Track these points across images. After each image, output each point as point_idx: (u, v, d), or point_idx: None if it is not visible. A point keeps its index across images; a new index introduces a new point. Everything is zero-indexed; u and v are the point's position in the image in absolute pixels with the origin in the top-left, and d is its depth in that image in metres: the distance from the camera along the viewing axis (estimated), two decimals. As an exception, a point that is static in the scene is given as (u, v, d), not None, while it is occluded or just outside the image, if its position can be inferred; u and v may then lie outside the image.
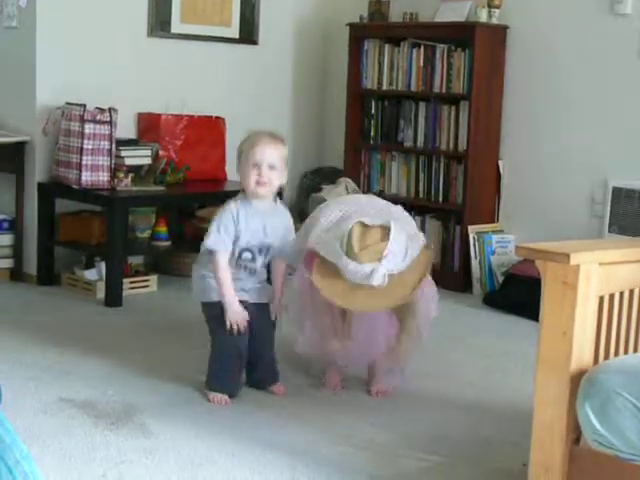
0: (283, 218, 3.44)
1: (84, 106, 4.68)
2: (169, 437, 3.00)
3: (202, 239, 5.13)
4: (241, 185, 3.38)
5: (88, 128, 4.68)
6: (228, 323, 3.28)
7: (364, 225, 3.19)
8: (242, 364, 3.41)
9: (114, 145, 4.78)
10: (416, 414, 3.33)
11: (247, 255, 3.35)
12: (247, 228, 3.32)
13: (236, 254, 3.33)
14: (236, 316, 3.29)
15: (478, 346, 4.08)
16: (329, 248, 3.20)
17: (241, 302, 3.34)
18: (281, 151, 3.34)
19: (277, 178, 3.32)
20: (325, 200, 5.36)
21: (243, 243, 3.33)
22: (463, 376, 3.75)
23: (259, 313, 3.41)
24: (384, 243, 3.14)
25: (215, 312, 3.35)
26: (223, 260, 3.29)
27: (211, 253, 3.31)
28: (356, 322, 3.36)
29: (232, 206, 3.33)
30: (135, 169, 4.94)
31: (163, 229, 5.05)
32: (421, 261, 3.23)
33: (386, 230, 3.17)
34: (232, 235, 3.30)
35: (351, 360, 3.48)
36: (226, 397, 3.34)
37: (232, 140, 5.42)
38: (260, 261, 3.39)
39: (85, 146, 4.68)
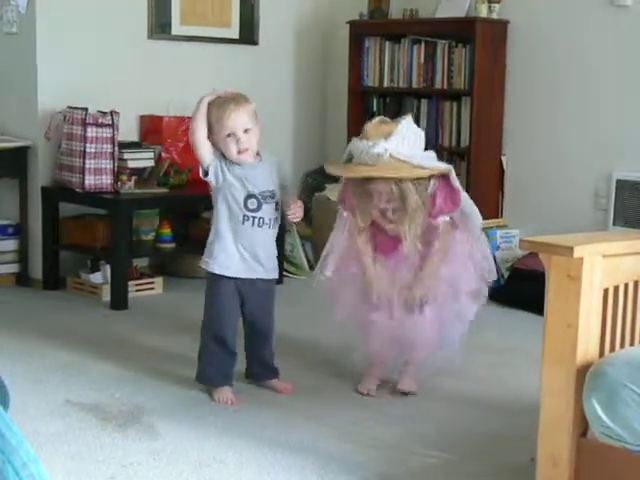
0: (273, 165, 3.42)
1: (86, 109, 4.69)
2: (177, 438, 3.01)
3: (206, 241, 5.16)
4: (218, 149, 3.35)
5: (90, 131, 4.68)
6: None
7: (383, 120, 3.35)
8: (228, 351, 3.39)
9: (117, 148, 4.79)
10: (423, 410, 3.33)
11: (253, 203, 3.32)
12: (243, 179, 3.31)
13: (241, 202, 3.30)
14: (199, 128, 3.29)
15: (484, 341, 4.08)
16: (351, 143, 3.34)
17: (234, 279, 3.34)
18: (250, 111, 3.35)
19: (255, 136, 3.34)
20: (329, 199, 5.40)
21: (242, 193, 3.30)
22: (469, 372, 3.75)
23: (259, 291, 3.39)
24: (394, 126, 3.24)
25: (208, 285, 3.37)
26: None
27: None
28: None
29: (218, 156, 3.33)
30: (138, 172, 4.94)
31: (167, 231, 5.06)
32: (448, 168, 3.31)
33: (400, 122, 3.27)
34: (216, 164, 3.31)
35: (386, 337, 3.43)
36: (231, 396, 3.35)
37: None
38: (266, 209, 3.34)
39: (88, 150, 4.69)
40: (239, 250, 3.33)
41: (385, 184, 3.23)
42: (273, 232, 3.40)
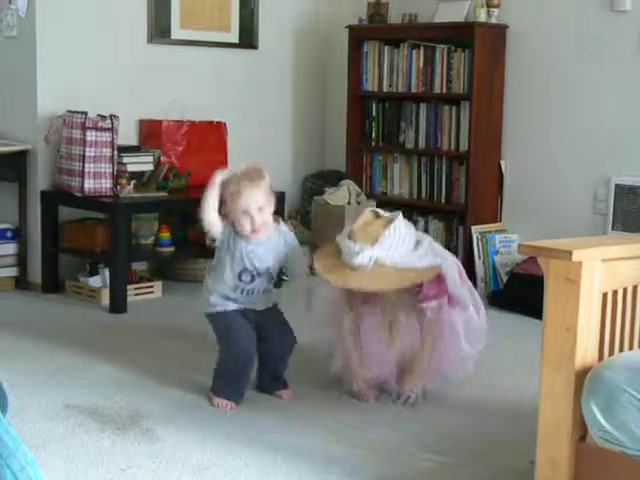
0: (286, 239, 3.45)
1: (85, 113, 4.69)
2: (176, 442, 3.01)
3: (205, 245, 5.17)
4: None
5: (90, 135, 4.69)
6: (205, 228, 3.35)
7: (375, 214, 3.30)
8: (248, 373, 3.41)
9: (116, 152, 4.79)
10: (421, 414, 3.33)
11: (246, 277, 3.37)
12: (244, 255, 3.34)
13: (236, 273, 3.36)
14: (212, 227, 3.33)
15: (484, 346, 4.07)
16: (342, 233, 3.31)
17: (245, 310, 3.38)
18: (264, 188, 3.34)
19: (268, 213, 3.35)
20: (328, 203, 5.41)
21: (242, 265, 3.35)
22: (470, 376, 3.74)
23: (266, 318, 3.43)
24: (382, 229, 3.20)
25: (216, 324, 3.39)
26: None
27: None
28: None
29: (230, 227, 3.35)
30: (137, 175, 4.95)
31: (166, 235, 5.06)
32: (434, 271, 3.27)
33: (391, 222, 3.23)
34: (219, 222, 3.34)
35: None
36: (231, 403, 3.35)
37: (233, 145, 5.44)
38: (258, 283, 3.40)
39: (87, 153, 4.69)
40: (236, 299, 3.39)
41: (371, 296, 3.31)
42: (268, 290, 3.46)
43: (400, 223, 3.25)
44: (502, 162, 5.35)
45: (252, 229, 3.30)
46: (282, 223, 3.47)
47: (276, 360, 3.48)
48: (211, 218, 3.32)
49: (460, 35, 5.25)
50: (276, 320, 3.47)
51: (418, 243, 3.30)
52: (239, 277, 3.35)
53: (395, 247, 3.20)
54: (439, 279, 3.33)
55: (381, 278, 3.17)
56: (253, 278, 3.38)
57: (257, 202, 3.30)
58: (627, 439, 2.20)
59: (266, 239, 3.38)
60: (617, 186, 4.84)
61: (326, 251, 3.36)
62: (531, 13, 5.17)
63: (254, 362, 3.42)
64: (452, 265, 3.40)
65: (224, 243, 3.36)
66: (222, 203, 3.34)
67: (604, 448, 2.26)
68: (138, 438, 3.03)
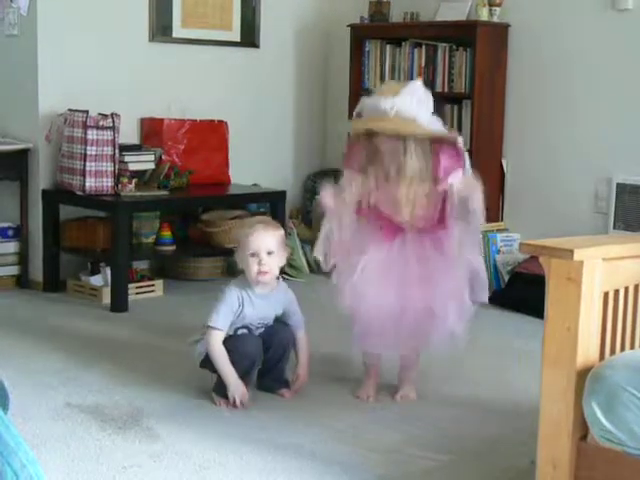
0: (285, 295, 3.48)
1: (87, 112, 4.70)
2: (176, 441, 3.01)
3: (207, 243, 5.18)
4: (241, 269, 3.41)
5: (91, 134, 4.69)
6: (231, 398, 3.30)
7: (394, 82, 3.52)
8: (253, 373, 3.43)
9: (117, 151, 4.79)
10: (422, 413, 3.33)
11: (244, 331, 3.40)
12: (249, 312, 3.37)
13: (232, 331, 3.38)
14: (237, 391, 3.30)
15: (485, 345, 4.07)
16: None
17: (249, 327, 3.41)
18: (277, 236, 3.38)
19: (277, 263, 3.37)
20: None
21: (243, 322, 3.38)
22: (470, 375, 3.75)
23: (271, 327, 3.45)
24: (404, 86, 3.26)
25: (212, 364, 3.38)
26: (217, 339, 3.32)
27: (208, 328, 3.35)
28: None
29: (237, 291, 3.36)
30: (139, 174, 4.95)
31: (167, 234, 5.06)
32: (453, 134, 3.36)
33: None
34: (232, 318, 3.35)
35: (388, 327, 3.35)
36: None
37: (235, 143, 5.44)
38: (255, 333, 3.43)
39: (88, 152, 4.69)
40: None
41: (388, 140, 3.22)
42: None
43: (420, 85, 3.30)
44: (503, 161, 5.35)
45: (258, 270, 3.31)
46: (281, 279, 3.50)
47: (277, 361, 3.48)
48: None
49: (462, 34, 5.25)
50: (279, 325, 3.47)
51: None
52: (235, 332, 3.39)
53: (417, 101, 3.22)
54: (457, 152, 3.32)
55: (402, 124, 3.18)
56: (250, 332, 3.42)
57: (268, 245, 3.33)
58: (628, 438, 2.20)
59: (270, 292, 3.41)
60: (618, 185, 4.84)
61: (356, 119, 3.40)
62: (533, 12, 5.17)
63: (260, 363, 3.43)
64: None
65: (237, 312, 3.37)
66: (236, 250, 3.41)
67: (605, 447, 2.26)
68: (139, 437, 3.03)
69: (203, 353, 3.39)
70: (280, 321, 3.49)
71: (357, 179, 3.34)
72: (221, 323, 3.33)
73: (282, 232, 3.44)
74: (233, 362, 3.33)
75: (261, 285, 3.37)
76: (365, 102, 3.32)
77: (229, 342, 3.35)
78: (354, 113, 3.42)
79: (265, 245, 3.32)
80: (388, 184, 3.30)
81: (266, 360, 3.45)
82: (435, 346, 3.36)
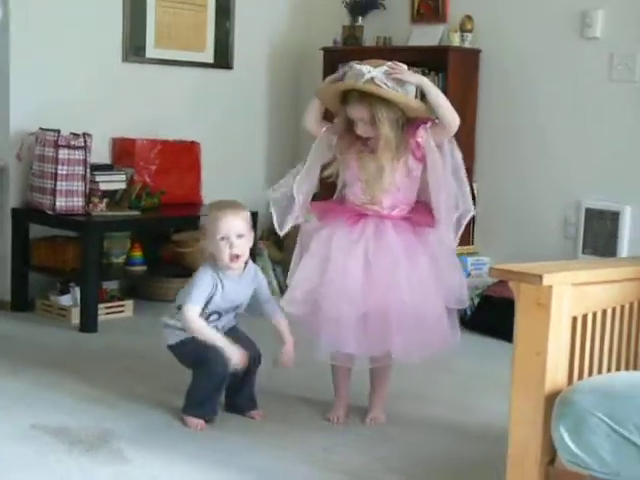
0: (255, 277, 3.47)
1: (58, 131, 4.68)
2: (145, 463, 2.98)
3: (178, 263, 5.14)
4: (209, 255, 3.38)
5: (62, 153, 4.67)
6: (234, 364, 3.28)
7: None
8: (221, 391, 3.41)
9: (88, 170, 4.77)
10: (392, 436, 3.33)
11: (214, 317, 3.39)
12: (218, 296, 3.35)
13: (204, 316, 3.35)
14: (235, 353, 3.29)
15: (455, 368, 4.08)
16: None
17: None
18: (246, 218, 3.38)
19: (247, 244, 3.37)
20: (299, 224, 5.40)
21: (213, 307, 3.36)
22: (441, 398, 3.76)
23: (228, 337, 3.41)
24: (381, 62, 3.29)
25: (183, 351, 3.38)
26: (195, 314, 3.31)
27: (180, 308, 3.34)
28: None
29: (211, 272, 3.34)
30: (110, 194, 4.93)
31: (138, 254, 5.04)
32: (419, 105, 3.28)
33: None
34: (206, 297, 3.33)
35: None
36: (202, 422, 3.33)
37: (207, 164, 5.44)
38: (225, 319, 3.43)
39: (59, 171, 4.67)
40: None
41: (361, 107, 3.22)
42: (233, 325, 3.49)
43: (405, 67, 3.31)
44: (474, 185, 5.38)
45: (230, 255, 3.30)
46: (250, 261, 3.48)
47: (246, 383, 3.46)
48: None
49: (434, 59, 5.29)
50: (238, 337, 3.44)
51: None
52: (207, 318, 3.37)
53: (392, 79, 3.23)
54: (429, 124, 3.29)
55: (374, 87, 3.19)
56: (220, 316, 3.41)
57: (238, 229, 3.32)
58: (595, 463, 2.21)
59: (241, 277, 3.40)
60: (587, 210, 4.89)
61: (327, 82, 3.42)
62: (504, 38, 5.23)
63: (227, 380, 3.40)
64: None
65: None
66: (202, 235, 3.38)
67: (573, 472, 2.27)
68: (107, 459, 3.00)
69: (177, 336, 3.36)
70: (244, 335, 3.47)
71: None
72: (195, 300, 3.30)
73: (248, 213, 3.42)
74: (203, 380, 3.32)
75: (232, 269, 3.35)
76: (343, 69, 3.34)
77: (197, 353, 3.32)
78: (327, 79, 3.44)
79: (236, 229, 3.31)
80: (362, 156, 3.31)
81: (233, 378, 3.43)
82: (428, 349, 3.33)
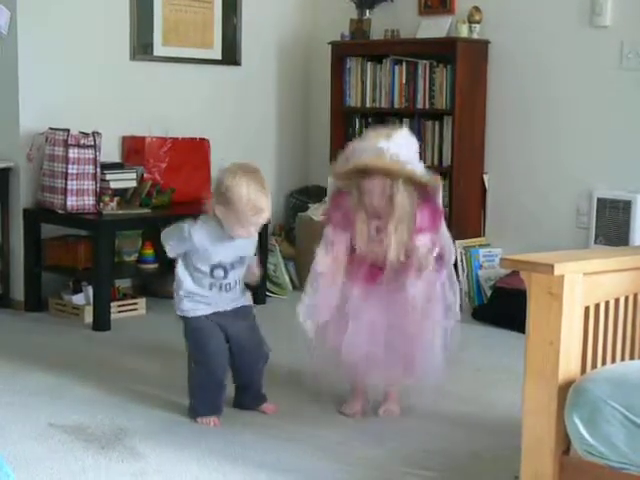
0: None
1: (68, 131, 4.69)
2: (159, 460, 2.99)
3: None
4: (209, 208, 3.31)
5: (72, 153, 4.68)
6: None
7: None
8: (224, 386, 3.39)
9: (99, 169, 4.78)
10: (406, 429, 3.33)
11: (219, 272, 3.33)
12: (219, 249, 3.30)
13: (208, 271, 3.31)
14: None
15: (469, 360, 4.07)
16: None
17: (216, 316, 3.35)
18: (268, 194, 3.31)
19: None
20: (312, 219, 5.41)
21: (215, 261, 3.31)
22: (454, 390, 3.75)
23: (240, 320, 3.40)
24: (392, 131, 3.29)
25: (188, 329, 3.36)
26: (179, 267, 3.34)
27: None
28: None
29: (197, 226, 3.30)
30: (120, 192, 4.94)
31: (150, 252, 5.05)
32: (438, 179, 3.34)
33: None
34: (184, 247, 3.31)
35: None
36: (214, 418, 3.34)
37: (217, 161, 5.43)
38: (232, 276, 3.36)
39: (70, 171, 4.68)
40: (208, 298, 3.36)
41: (379, 180, 3.21)
42: (241, 286, 3.44)
43: (407, 131, 3.34)
44: (485, 176, 5.37)
45: (248, 232, 3.27)
46: None
47: (250, 373, 3.45)
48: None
49: (442, 51, 5.28)
50: (248, 332, 3.42)
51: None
52: (211, 274, 3.31)
53: (406, 147, 3.25)
54: (436, 210, 3.34)
55: (396, 163, 3.19)
56: (226, 272, 3.34)
57: (264, 212, 3.26)
58: (610, 452, 2.20)
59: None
60: (599, 200, 4.87)
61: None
62: (512, 28, 5.21)
63: (228, 374, 3.39)
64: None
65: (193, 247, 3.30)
66: (220, 200, 3.24)
67: (587, 461, 2.27)
68: (121, 456, 3.01)
69: (181, 308, 3.37)
70: (256, 332, 3.45)
71: (342, 238, 3.35)
72: (174, 252, 3.34)
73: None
74: (203, 380, 3.32)
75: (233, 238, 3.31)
76: (355, 146, 3.32)
77: (199, 352, 3.32)
78: (339, 159, 3.38)
79: (262, 213, 3.24)
80: (375, 223, 3.32)
81: (241, 377, 3.43)
82: (421, 379, 3.41)
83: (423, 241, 3.30)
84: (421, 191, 3.30)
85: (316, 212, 5.47)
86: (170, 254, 3.38)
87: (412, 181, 3.25)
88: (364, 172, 3.23)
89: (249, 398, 3.49)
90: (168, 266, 5.12)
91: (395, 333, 3.33)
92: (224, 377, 3.37)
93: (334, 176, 3.43)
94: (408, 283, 3.30)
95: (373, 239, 3.33)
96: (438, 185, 3.37)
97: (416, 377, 3.40)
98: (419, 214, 3.30)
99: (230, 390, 3.47)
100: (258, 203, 3.22)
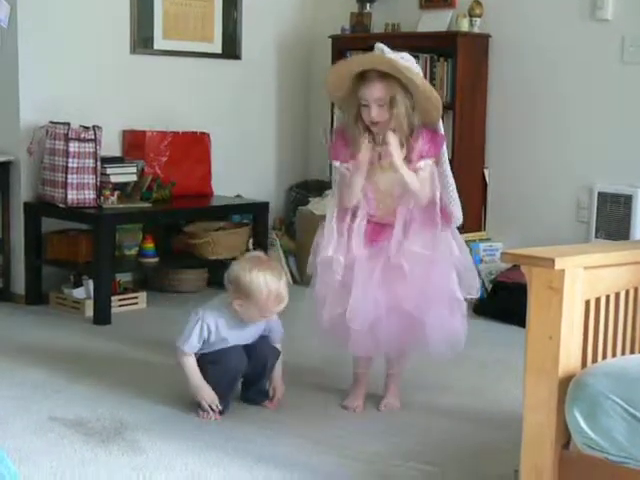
0: (264, 325, 3.46)
1: (68, 124, 4.68)
2: (160, 453, 2.99)
3: (190, 254, 5.15)
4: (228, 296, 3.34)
5: (73, 146, 4.67)
6: (205, 405, 3.31)
7: None
8: (235, 385, 3.43)
9: (99, 163, 4.78)
10: (407, 423, 3.33)
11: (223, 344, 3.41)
12: (234, 335, 3.37)
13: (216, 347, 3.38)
14: (209, 399, 3.31)
15: (470, 355, 4.06)
16: None
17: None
18: (285, 278, 3.36)
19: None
20: (313, 213, 5.40)
21: (232, 344, 3.37)
22: (455, 384, 3.75)
23: (258, 340, 3.45)
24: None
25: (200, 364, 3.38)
26: (185, 360, 3.35)
27: (177, 348, 3.37)
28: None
29: (209, 319, 3.33)
30: (121, 186, 4.93)
31: (150, 246, 5.05)
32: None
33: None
34: (200, 344, 3.34)
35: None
36: (216, 413, 3.34)
37: (217, 155, 5.44)
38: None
39: (70, 165, 4.68)
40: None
41: (381, 86, 3.17)
42: None
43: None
44: (486, 171, 5.37)
45: (260, 316, 3.33)
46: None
47: (259, 375, 3.47)
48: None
49: (443, 45, 5.27)
50: (259, 339, 3.47)
51: None
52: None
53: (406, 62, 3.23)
54: (436, 134, 3.31)
55: (396, 60, 3.18)
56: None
57: (287, 299, 3.32)
58: (610, 446, 2.20)
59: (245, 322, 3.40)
60: (600, 194, 4.87)
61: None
62: (513, 22, 5.20)
63: (240, 377, 3.43)
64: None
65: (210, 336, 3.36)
66: (239, 293, 3.27)
67: (587, 455, 2.27)
68: (122, 450, 3.02)
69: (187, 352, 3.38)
70: (261, 335, 3.49)
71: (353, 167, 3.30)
72: (188, 347, 3.33)
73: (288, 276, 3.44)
74: (217, 376, 3.32)
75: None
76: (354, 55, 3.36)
77: (213, 355, 3.34)
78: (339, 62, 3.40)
79: (284, 301, 3.29)
80: (374, 173, 3.29)
81: (248, 373, 3.44)
82: (436, 349, 3.35)
83: (423, 164, 3.27)
84: (423, 115, 3.26)
85: (316, 206, 5.47)
86: (190, 351, 3.35)
87: (409, 91, 3.19)
88: (362, 78, 3.20)
89: (254, 393, 3.50)
90: (168, 260, 5.16)
91: (399, 298, 3.27)
92: (238, 377, 3.41)
93: (332, 74, 3.35)
94: (409, 242, 3.27)
95: (376, 169, 3.29)
96: (439, 106, 3.29)
97: (428, 347, 3.34)
98: (420, 139, 3.26)
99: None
100: (279, 293, 3.28)
